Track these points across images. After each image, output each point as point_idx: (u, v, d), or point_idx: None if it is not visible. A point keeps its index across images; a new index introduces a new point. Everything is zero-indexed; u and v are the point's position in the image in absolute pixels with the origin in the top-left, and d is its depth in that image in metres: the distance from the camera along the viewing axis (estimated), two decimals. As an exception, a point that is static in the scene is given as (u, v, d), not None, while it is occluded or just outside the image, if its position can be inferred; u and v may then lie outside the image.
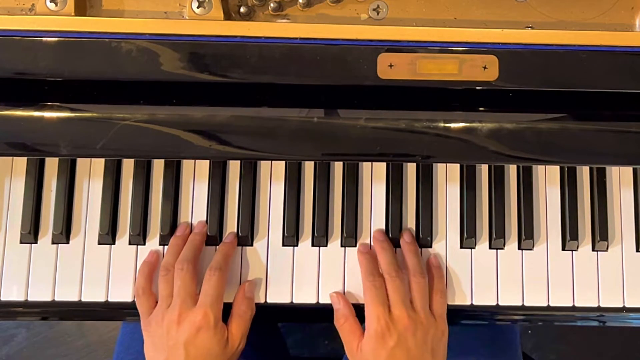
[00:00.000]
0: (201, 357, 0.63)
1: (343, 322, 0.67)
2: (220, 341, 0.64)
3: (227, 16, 0.62)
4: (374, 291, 0.65)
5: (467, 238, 0.71)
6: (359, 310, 0.68)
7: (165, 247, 0.70)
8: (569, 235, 0.71)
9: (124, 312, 0.71)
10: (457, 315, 0.71)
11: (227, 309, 0.67)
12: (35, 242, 0.70)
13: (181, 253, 0.67)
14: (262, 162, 0.71)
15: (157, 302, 0.67)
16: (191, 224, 0.71)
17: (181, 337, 0.62)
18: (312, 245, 0.71)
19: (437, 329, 0.66)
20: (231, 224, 0.71)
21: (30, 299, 0.69)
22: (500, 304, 0.70)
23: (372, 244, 0.71)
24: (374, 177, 0.72)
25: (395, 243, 0.71)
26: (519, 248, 0.72)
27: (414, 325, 0.64)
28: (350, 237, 0.70)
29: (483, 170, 0.72)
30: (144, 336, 0.67)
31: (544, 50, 0.61)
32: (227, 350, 0.65)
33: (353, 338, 0.66)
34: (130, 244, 0.70)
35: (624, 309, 0.71)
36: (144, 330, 0.66)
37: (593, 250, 0.72)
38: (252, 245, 0.71)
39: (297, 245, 0.71)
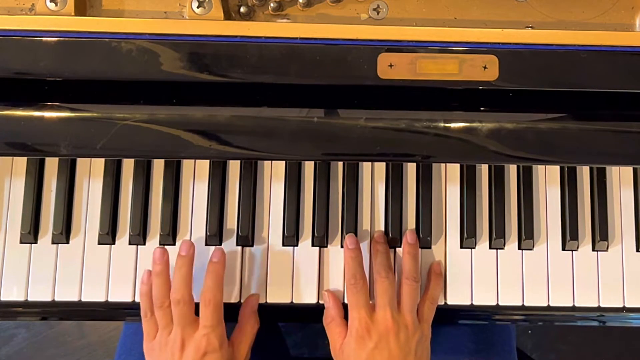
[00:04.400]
0: None
1: (329, 322, 0.67)
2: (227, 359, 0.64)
3: (227, 16, 0.62)
4: (356, 293, 0.65)
5: (467, 238, 0.71)
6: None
7: (166, 247, 0.70)
8: (569, 235, 0.71)
9: (124, 312, 0.71)
10: (457, 315, 0.71)
11: (227, 311, 0.67)
12: (35, 242, 0.70)
13: (173, 284, 0.65)
14: (262, 162, 0.71)
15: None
16: (190, 224, 0.71)
17: None
18: (312, 245, 0.71)
19: (422, 333, 0.66)
20: (231, 224, 0.71)
21: (30, 299, 0.69)
22: (500, 304, 0.70)
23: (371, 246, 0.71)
24: (374, 177, 0.72)
25: (395, 243, 0.71)
26: (519, 248, 0.72)
27: (396, 328, 0.64)
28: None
29: (483, 170, 0.72)
30: (146, 357, 0.67)
31: (544, 50, 0.61)
32: None
33: (337, 338, 0.66)
34: (130, 244, 0.70)
35: (624, 309, 0.71)
36: (147, 353, 0.67)
37: (593, 250, 0.72)
38: (252, 245, 0.71)
39: (297, 245, 0.71)
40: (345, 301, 0.69)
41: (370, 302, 0.67)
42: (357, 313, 0.65)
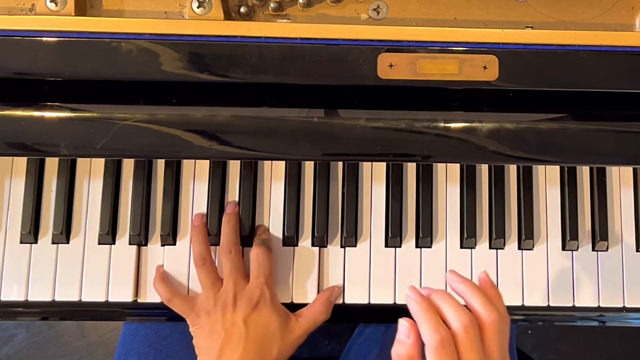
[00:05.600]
0: (261, 331, 0.62)
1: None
2: (279, 319, 0.64)
3: (227, 16, 0.62)
4: (444, 351, 0.51)
5: (467, 238, 0.71)
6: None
7: (166, 247, 0.70)
8: (569, 235, 0.71)
9: (124, 312, 0.71)
10: (457, 315, 0.71)
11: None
12: (35, 242, 0.70)
13: (223, 236, 0.67)
14: (262, 162, 0.71)
15: (191, 297, 0.66)
16: (191, 224, 0.71)
17: (239, 316, 0.63)
18: (312, 245, 0.71)
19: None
20: (231, 224, 0.71)
21: (30, 299, 0.69)
22: (500, 304, 0.70)
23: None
24: (374, 177, 0.72)
25: (395, 243, 0.71)
26: (519, 248, 0.72)
27: None
28: (350, 237, 0.70)
29: (483, 170, 0.72)
30: (192, 332, 0.66)
31: (544, 50, 0.61)
32: (286, 333, 0.64)
33: None
34: (130, 244, 0.70)
35: (624, 309, 0.71)
36: (193, 325, 0.66)
37: (593, 250, 0.72)
38: (252, 245, 0.71)
39: (297, 245, 0.71)
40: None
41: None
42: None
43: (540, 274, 0.71)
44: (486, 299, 0.54)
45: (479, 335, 0.52)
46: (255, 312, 0.63)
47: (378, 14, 0.64)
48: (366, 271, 0.70)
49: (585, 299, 0.71)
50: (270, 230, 0.71)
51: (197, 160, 0.71)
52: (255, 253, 0.66)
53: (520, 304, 0.71)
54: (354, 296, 0.70)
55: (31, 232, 0.69)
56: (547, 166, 0.72)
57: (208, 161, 0.71)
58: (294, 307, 0.70)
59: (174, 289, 0.68)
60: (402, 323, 0.54)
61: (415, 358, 0.52)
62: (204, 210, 0.71)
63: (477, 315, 0.53)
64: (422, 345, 0.53)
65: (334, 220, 0.71)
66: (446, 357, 0.51)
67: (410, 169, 0.72)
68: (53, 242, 0.70)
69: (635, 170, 0.73)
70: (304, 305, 0.69)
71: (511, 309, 0.71)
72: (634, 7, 0.64)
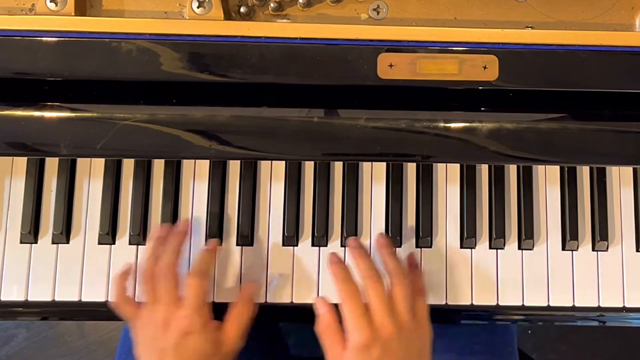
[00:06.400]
0: (194, 358, 0.62)
1: (325, 329, 0.64)
2: (212, 342, 0.63)
3: (227, 16, 0.62)
4: (353, 301, 0.63)
5: (467, 238, 0.71)
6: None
7: (165, 247, 0.70)
8: (569, 235, 0.71)
9: (124, 312, 0.71)
10: (457, 315, 0.71)
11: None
12: (35, 242, 0.70)
13: (162, 258, 0.66)
14: (262, 162, 0.71)
15: (139, 304, 0.66)
16: (191, 224, 0.71)
17: (170, 342, 0.62)
18: (312, 245, 0.71)
19: (422, 331, 0.65)
20: (231, 224, 0.71)
21: (30, 299, 0.69)
22: (500, 304, 0.70)
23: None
24: (374, 177, 0.72)
25: (395, 243, 0.71)
26: (519, 248, 0.72)
27: (398, 332, 0.62)
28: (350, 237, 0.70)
29: (483, 170, 0.72)
30: (133, 338, 0.66)
31: (544, 50, 0.62)
32: (222, 350, 0.64)
33: (336, 347, 0.63)
34: (130, 243, 0.70)
35: (624, 309, 0.71)
36: (132, 333, 0.66)
37: (593, 250, 0.72)
38: (252, 245, 0.71)
39: (297, 245, 0.71)
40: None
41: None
42: (357, 322, 0.62)
43: (540, 274, 0.71)
44: (398, 265, 0.65)
45: (385, 289, 0.63)
46: (187, 339, 0.62)
47: (378, 14, 0.64)
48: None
49: (585, 299, 0.71)
50: (270, 230, 0.71)
51: (197, 160, 0.71)
52: (187, 284, 0.64)
53: (520, 304, 0.71)
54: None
55: (31, 232, 0.69)
56: (547, 166, 0.72)
57: (208, 161, 0.71)
58: (294, 307, 0.70)
59: (124, 295, 0.67)
60: (316, 300, 0.66)
61: (332, 325, 0.64)
62: (204, 210, 0.71)
63: (390, 276, 0.65)
64: (338, 317, 0.63)
65: (334, 220, 0.71)
66: (355, 306, 0.62)
67: (410, 169, 0.72)
68: (53, 242, 0.70)
69: (635, 170, 0.73)
70: (304, 304, 0.69)
71: (511, 309, 0.71)
72: (634, 7, 0.64)
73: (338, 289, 0.65)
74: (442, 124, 0.62)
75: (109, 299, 0.69)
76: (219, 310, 0.66)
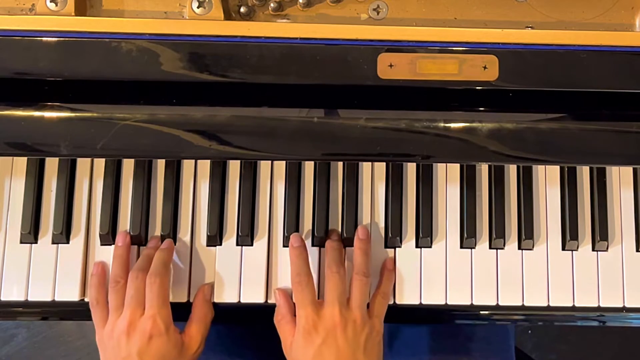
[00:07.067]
0: None
1: (280, 319, 0.67)
2: (175, 345, 0.63)
3: (227, 16, 0.62)
4: (301, 291, 0.65)
5: (467, 238, 0.71)
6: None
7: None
8: (569, 235, 0.71)
9: (124, 312, 0.71)
10: (457, 315, 0.71)
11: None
12: (35, 242, 0.70)
13: (136, 263, 0.67)
14: (262, 162, 0.71)
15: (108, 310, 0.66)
16: (191, 224, 0.71)
17: (133, 348, 0.62)
18: (312, 245, 0.71)
19: (372, 328, 0.66)
20: (231, 224, 0.71)
21: (30, 299, 0.69)
22: (500, 303, 0.70)
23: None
24: (374, 177, 0.72)
25: (394, 243, 0.71)
26: (519, 248, 0.72)
27: (344, 323, 0.64)
28: (350, 237, 0.70)
29: (483, 170, 0.72)
30: (99, 349, 0.66)
31: (544, 50, 0.62)
32: (185, 353, 0.64)
33: (287, 336, 0.66)
34: (130, 244, 0.70)
35: (624, 309, 0.71)
36: (98, 344, 0.66)
37: (593, 250, 0.72)
38: (252, 245, 0.71)
39: (297, 245, 0.71)
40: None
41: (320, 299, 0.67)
42: (303, 310, 0.65)
43: (540, 274, 0.71)
44: (363, 261, 0.67)
45: (344, 281, 0.66)
46: (151, 344, 0.62)
47: (378, 14, 0.64)
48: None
49: (585, 299, 0.71)
50: (270, 230, 0.71)
51: (197, 160, 0.71)
52: (148, 283, 0.64)
53: (520, 304, 0.71)
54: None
55: (31, 232, 0.69)
56: (547, 166, 0.72)
57: (208, 161, 0.71)
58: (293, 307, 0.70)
59: (103, 298, 0.67)
60: (274, 292, 0.69)
61: (286, 316, 0.67)
62: (204, 210, 0.71)
63: (353, 270, 0.67)
64: (293, 309, 0.67)
65: (334, 220, 0.71)
66: (303, 294, 0.65)
67: (410, 169, 0.72)
68: (53, 242, 0.70)
69: (635, 170, 0.73)
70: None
71: (511, 309, 0.71)
72: (634, 7, 0.64)
73: (292, 274, 0.67)
74: (442, 124, 0.62)
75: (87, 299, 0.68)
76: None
